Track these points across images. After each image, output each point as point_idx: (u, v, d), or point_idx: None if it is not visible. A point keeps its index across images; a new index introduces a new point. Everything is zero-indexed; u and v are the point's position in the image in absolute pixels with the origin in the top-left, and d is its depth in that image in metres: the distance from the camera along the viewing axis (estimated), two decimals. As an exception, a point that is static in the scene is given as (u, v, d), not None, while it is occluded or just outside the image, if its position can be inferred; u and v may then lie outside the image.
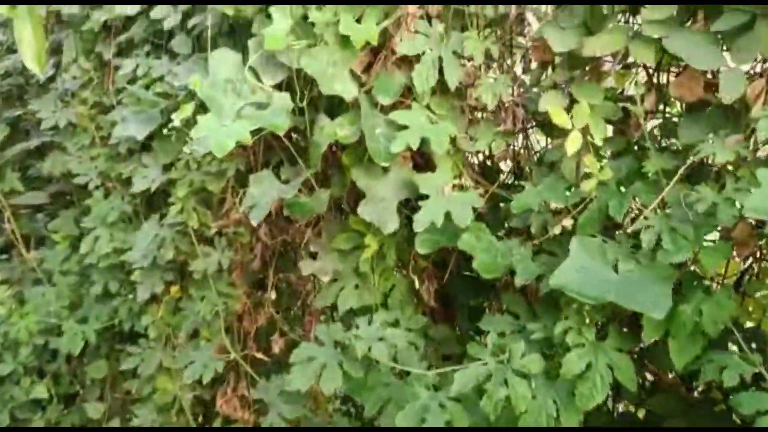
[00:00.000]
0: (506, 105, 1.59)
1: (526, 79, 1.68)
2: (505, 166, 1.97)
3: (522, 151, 1.76)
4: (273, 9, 1.66)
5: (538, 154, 1.77)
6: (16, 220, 3.04)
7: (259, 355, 2.24)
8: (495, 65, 1.73)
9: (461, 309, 2.03)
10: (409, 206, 1.76)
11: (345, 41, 1.65)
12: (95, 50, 2.67)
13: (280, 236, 2.11)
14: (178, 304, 2.46)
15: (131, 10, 2.30)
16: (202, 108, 1.77)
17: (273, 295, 2.12)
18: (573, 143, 1.38)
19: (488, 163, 1.96)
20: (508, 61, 1.70)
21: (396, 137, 1.58)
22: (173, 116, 1.72)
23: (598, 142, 1.42)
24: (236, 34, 2.01)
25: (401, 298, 1.87)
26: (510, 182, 1.87)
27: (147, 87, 2.26)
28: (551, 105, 1.41)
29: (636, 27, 1.41)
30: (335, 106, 1.80)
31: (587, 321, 1.42)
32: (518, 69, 1.67)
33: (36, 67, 2.10)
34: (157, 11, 2.16)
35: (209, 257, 2.18)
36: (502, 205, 1.78)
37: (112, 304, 2.64)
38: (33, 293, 2.77)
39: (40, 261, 2.96)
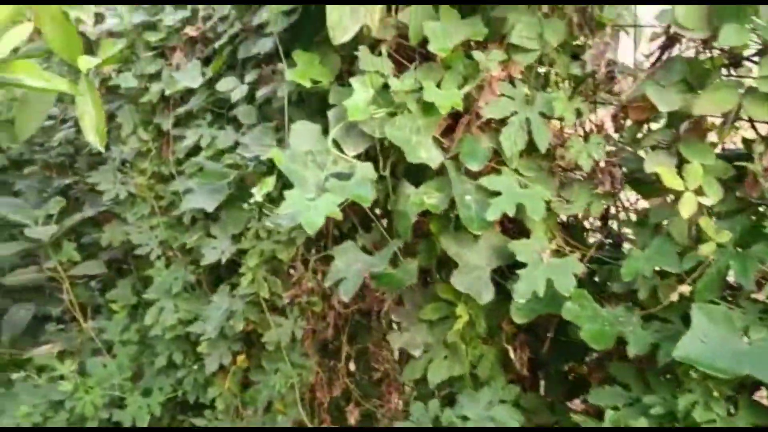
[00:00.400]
0: (602, 165, 1.53)
1: (616, 137, 1.62)
2: (588, 224, 1.90)
3: (614, 210, 1.69)
4: (353, 80, 1.64)
5: (630, 214, 1.70)
6: (72, 289, 3.05)
7: (335, 427, 2.17)
8: (579, 123, 1.68)
9: (551, 375, 1.94)
10: (498, 272, 1.69)
11: (427, 108, 1.61)
12: (153, 121, 2.69)
13: (355, 305, 2.06)
14: (246, 374, 2.40)
15: (194, 83, 2.30)
16: (279, 179, 1.75)
17: (351, 366, 2.05)
18: (687, 206, 1.31)
19: (573, 223, 1.89)
20: (595, 119, 1.65)
21: (488, 204, 1.52)
22: (254, 190, 1.69)
23: (710, 203, 1.35)
24: (305, 104, 2.00)
25: (490, 368, 1.79)
26: (599, 243, 1.79)
27: (211, 157, 2.25)
28: (660, 166, 1.34)
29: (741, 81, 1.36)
30: (414, 173, 1.76)
31: (715, 394, 1.32)
32: (608, 127, 1.61)
33: (97, 140, 2.10)
34: (223, 84, 2.16)
35: (282, 328, 2.13)
36: (593, 266, 1.71)
37: (176, 376, 2.59)
38: (93, 364, 2.74)
39: (98, 331, 2.93)
